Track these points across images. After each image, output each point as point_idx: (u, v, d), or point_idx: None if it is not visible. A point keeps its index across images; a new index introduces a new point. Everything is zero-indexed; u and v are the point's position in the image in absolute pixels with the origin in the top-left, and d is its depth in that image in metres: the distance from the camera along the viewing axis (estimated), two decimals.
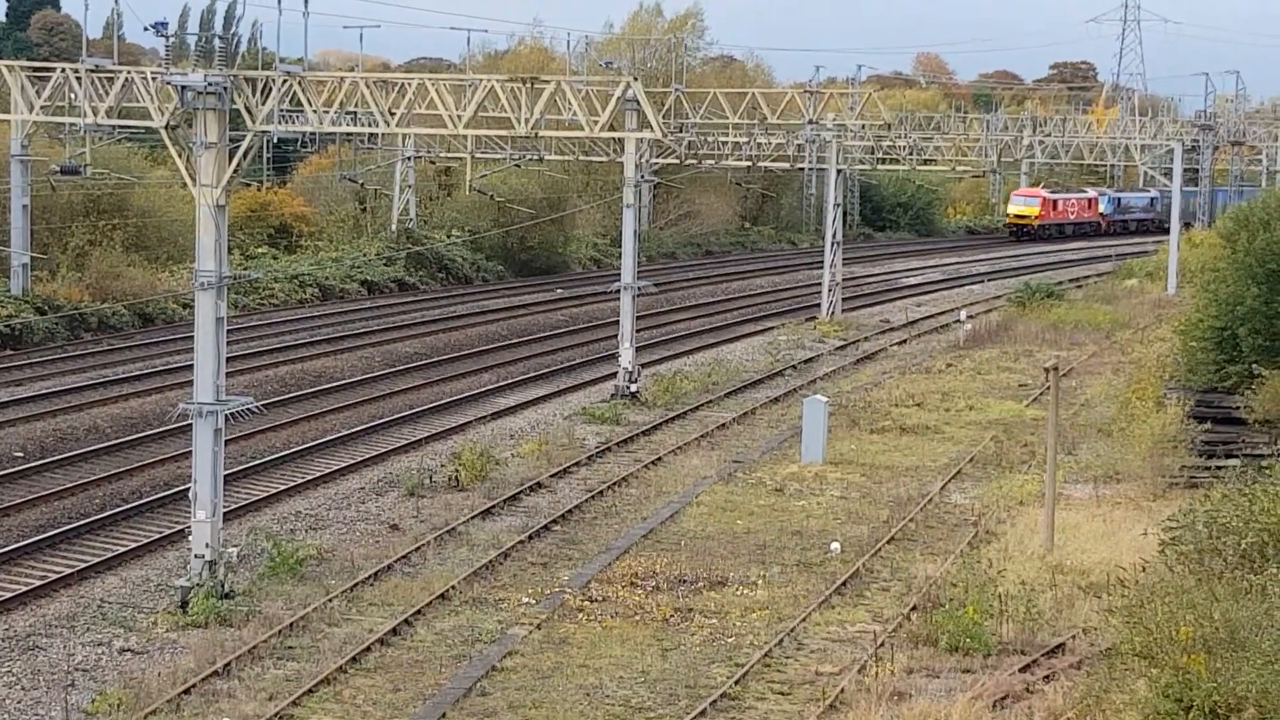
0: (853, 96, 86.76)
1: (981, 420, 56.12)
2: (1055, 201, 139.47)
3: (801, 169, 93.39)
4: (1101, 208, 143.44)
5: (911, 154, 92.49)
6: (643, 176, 63.53)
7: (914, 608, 34.57)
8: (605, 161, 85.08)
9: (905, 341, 76.52)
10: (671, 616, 34.50)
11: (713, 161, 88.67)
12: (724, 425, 55.29)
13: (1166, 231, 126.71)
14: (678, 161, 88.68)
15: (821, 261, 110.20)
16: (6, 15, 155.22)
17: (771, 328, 79.72)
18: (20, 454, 47.86)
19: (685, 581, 36.79)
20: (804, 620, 34.21)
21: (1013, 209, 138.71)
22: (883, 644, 32.23)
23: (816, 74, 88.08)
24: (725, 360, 69.31)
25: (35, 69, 39.83)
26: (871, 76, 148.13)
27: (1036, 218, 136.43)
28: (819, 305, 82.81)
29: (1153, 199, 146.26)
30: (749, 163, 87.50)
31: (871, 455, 50.69)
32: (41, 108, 38.67)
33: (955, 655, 31.67)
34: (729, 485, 46.54)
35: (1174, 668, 24.99)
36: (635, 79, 41.45)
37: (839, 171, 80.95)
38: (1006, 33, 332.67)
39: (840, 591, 36.32)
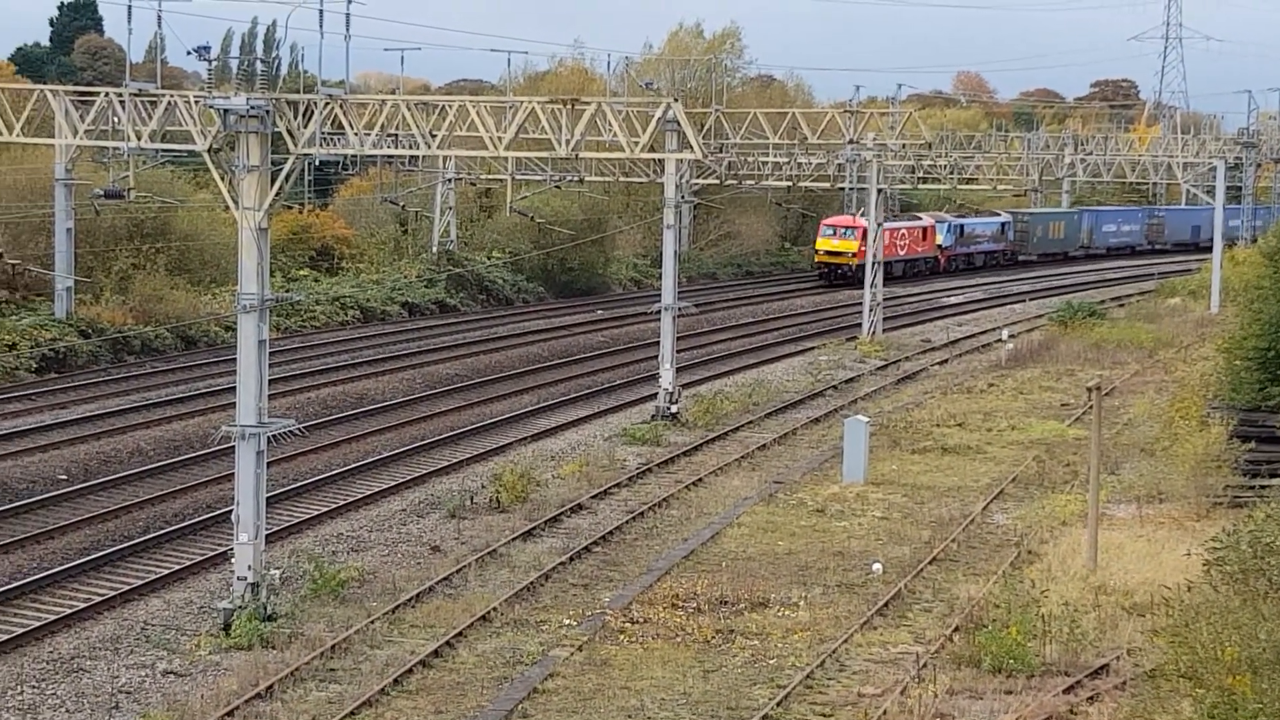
0: (893, 116, 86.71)
1: (1024, 440, 55.94)
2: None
3: (842, 189, 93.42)
4: (939, 238, 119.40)
5: (952, 173, 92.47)
6: (683, 197, 63.45)
7: (956, 628, 34.45)
8: (645, 182, 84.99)
9: (946, 361, 76.37)
10: (713, 638, 34.44)
11: (753, 182, 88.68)
12: (765, 446, 55.22)
13: (1018, 264, 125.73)
14: (718, 182, 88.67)
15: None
16: (50, 40, 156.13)
17: (812, 348, 79.62)
18: (64, 476, 48.06)
19: (726, 603, 36.71)
20: (846, 641, 34.11)
21: (823, 244, 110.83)
22: (925, 665, 32.12)
23: (857, 93, 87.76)
24: (766, 381, 69.22)
25: (79, 93, 40.12)
26: (912, 96, 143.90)
27: (856, 255, 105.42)
28: (860, 325, 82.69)
29: (1003, 224, 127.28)
30: (789, 183, 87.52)
31: (913, 475, 50.56)
32: (85, 132, 38.91)
33: (998, 676, 31.53)
34: (770, 506, 46.47)
35: (1219, 689, 24.84)
36: (675, 100, 41.49)
37: (880, 191, 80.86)
38: (1047, 51, 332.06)
39: (882, 612, 36.20)
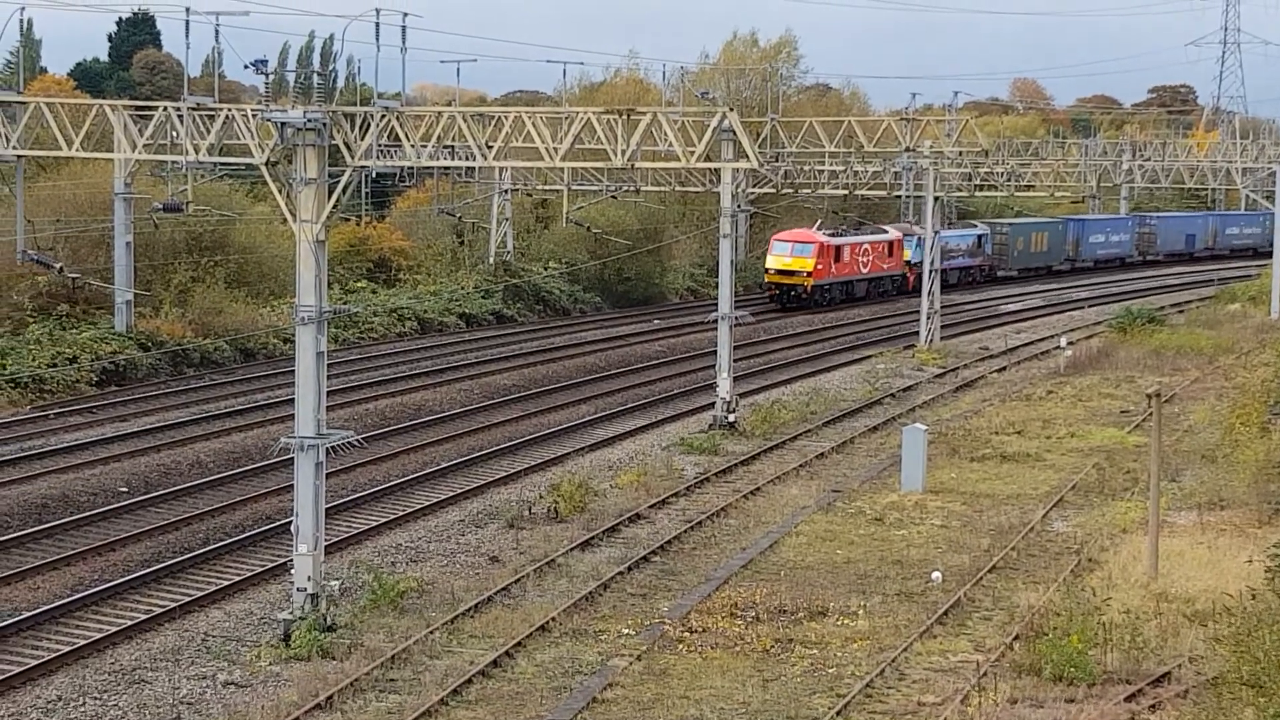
0: (949, 123, 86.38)
1: (1083, 447, 55.69)
2: (838, 249, 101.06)
3: (898, 197, 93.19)
4: (908, 254, 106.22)
5: (1009, 180, 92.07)
6: (739, 206, 63.45)
7: (1017, 637, 34.30)
8: (701, 192, 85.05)
9: (1005, 369, 76.10)
10: (772, 647, 34.38)
11: (809, 190, 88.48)
12: (823, 454, 55.12)
13: (996, 281, 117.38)
14: (774, 191, 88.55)
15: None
16: (109, 55, 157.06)
17: (869, 356, 79.44)
18: (125, 489, 48.32)
19: (785, 612, 36.65)
20: (905, 650, 34.01)
21: (774, 261, 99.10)
22: (985, 674, 31.98)
23: (913, 101, 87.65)
24: (823, 389, 69.11)
25: (138, 108, 40.28)
26: (968, 103, 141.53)
27: (811, 274, 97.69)
28: (917, 333, 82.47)
29: (980, 237, 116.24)
30: (845, 191, 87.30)
31: (972, 483, 50.40)
32: (144, 146, 39.07)
33: (1059, 685, 31.37)
34: (828, 515, 46.37)
35: None
36: (731, 109, 41.45)
37: (936, 199, 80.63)
38: (1105, 58, 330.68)
39: (942, 621, 36.09)
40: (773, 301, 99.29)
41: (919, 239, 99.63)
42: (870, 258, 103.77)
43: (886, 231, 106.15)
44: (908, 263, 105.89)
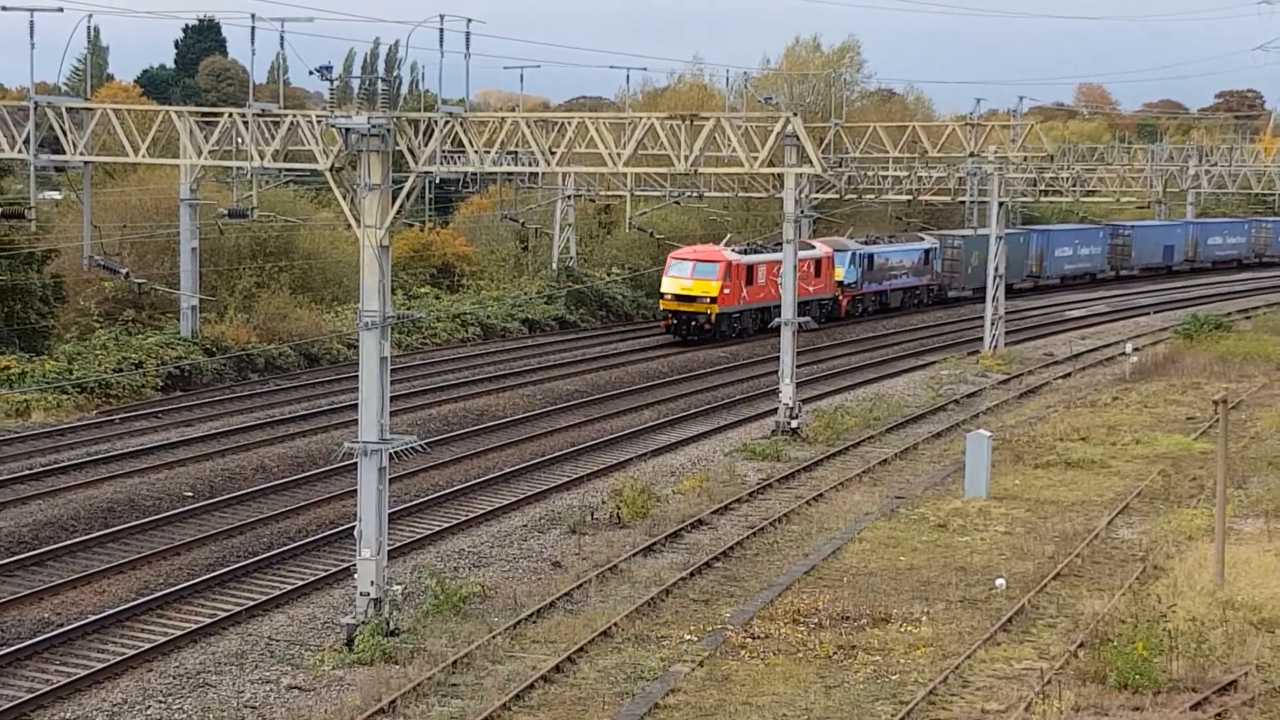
0: (1014, 128, 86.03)
1: (1148, 454, 55.34)
2: (750, 269, 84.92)
3: (963, 202, 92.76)
4: (839, 273, 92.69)
5: (1074, 185, 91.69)
6: (802, 212, 63.35)
7: (1081, 644, 34.12)
8: (765, 197, 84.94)
9: (1069, 375, 75.74)
10: (835, 653, 34.29)
11: (873, 196, 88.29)
12: (886, 461, 54.96)
13: (947, 303, 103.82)
14: (837, 196, 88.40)
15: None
16: (175, 62, 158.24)
17: (933, 362, 79.19)
18: (190, 493, 48.57)
19: (848, 618, 36.54)
20: (969, 657, 33.85)
21: (672, 284, 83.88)
22: (1050, 681, 31.82)
23: (977, 106, 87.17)
24: (886, 395, 68.92)
25: (203, 114, 40.49)
26: (1033, 108, 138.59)
27: (717, 300, 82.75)
28: (981, 339, 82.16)
29: (927, 252, 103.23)
30: (909, 196, 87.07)
31: (1036, 490, 50.15)
32: (209, 152, 39.28)
33: (1124, 693, 31.17)
34: (891, 521, 46.22)
35: None
36: (794, 114, 41.39)
37: (1001, 204, 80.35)
38: (1171, 62, 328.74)
39: (1006, 628, 35.91)
40: (668, 333, 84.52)
41: (854, 255, 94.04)
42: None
43: (814, 247, 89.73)
44: (840, 283, 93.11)
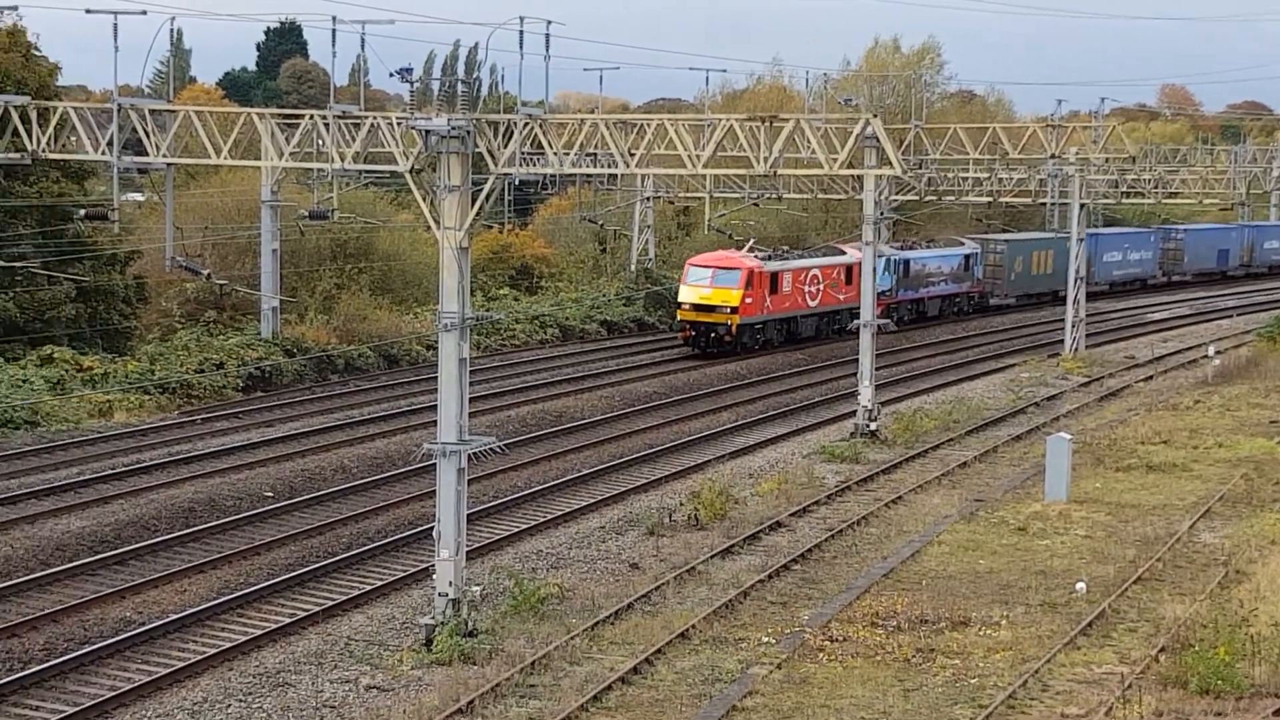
0: (1096, 130, 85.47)
1: (1231, 458, 54.88)
2: (775, 276, 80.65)
3: (1043, 204, 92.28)
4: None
5: (1156, 187, 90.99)
6: (882, 214, 63.07)
7: (1162, 649, 33.87)
8: (844, 199, 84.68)
9: (1151, 378, 75.23)
10: (913, 656, 34.15)
11: (952, 197, 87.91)
12: (965, 463, 54.72)
13: (987, 310, 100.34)
14: (917, 198, 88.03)
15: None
16: (257, 65, 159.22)
17: (1013, 364, 78.79)
18: (270, 494, 48.85)
19: (927, 621, 36.39)
20: (1049, 661, 33.65)
21: (690, 293, 79.24)
22: (1130, 686, 31.61)
23: (1058, 108, 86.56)
24: (966, 398, 68.63)
25: (284, 116, 40.66)
26: (1115, 109, 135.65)
27: (738, 310, 78.15)
28: (1062, 341, 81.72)
29: (968, 257, 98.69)
30: (989, 198, 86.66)
31: (1117, 494, 49.82)
32: (290, 154, 39.44)
33: (1206, 698, 30.91)
34: (971, 524, 46.02)
35: None
36: (874, 115, 41.24)
37: (1082, 206, 79.86)
38: (1255, 63, 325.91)
39: (1086, 632, 35.69)
40: (686, 345, 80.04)
41: (889, 260, 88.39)
42: (820, 286, 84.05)
43: (844, 253, 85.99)
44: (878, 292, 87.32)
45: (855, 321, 61.25)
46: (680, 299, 79.94)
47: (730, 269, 78.31)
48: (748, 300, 78.06)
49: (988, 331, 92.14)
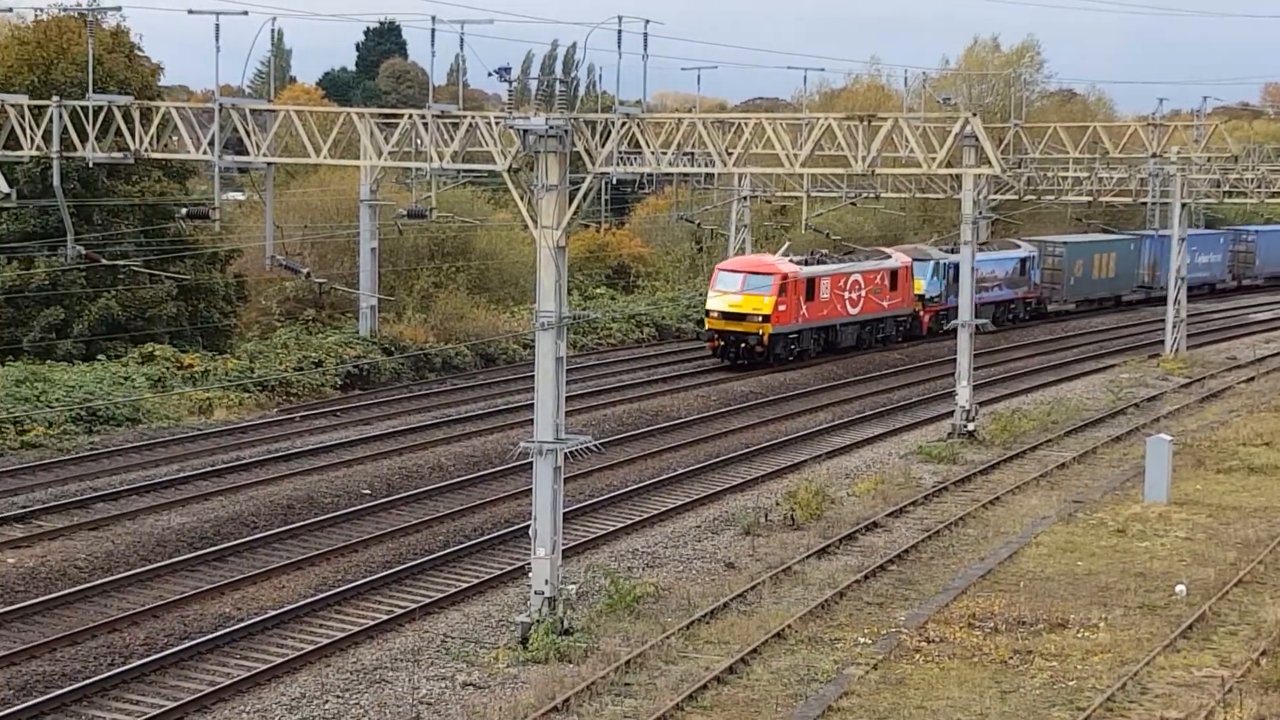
0: (1198, 129, 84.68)
1: None
2: (811, 282, 75.50)
3: (1144, 203, 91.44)
4: (921, 286, 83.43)
5: (1260, 187, 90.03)
6: (981, 213, 62.72)
7: (1264, 652, 33.54)
8: (942, 198, 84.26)
9: (1253, 379, 74.48)
10: (1010, 658, 33.96)
11: (1052, 197, 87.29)
12: (1064, 464, 54.35)
13: (1044, 316, 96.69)
14: (1016, 197, 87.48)
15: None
16: (356, 65, 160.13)
17: (1113, 365, 78.21)
18: (368, 491, 49.11)
19: (1024, 623, 36.17)
20: (1148, 664, 33.38)
21: (718, 300, 74.15)
22: (1231, 689, 31.31)
23: (1160, 106, 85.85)
24: (1065, 398, 68.16)
25: (383, 116, 40.89)
26: (1217, 108, 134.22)
27: (770, 319, 72.94)
28: (1162, 342, 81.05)
29: (1023, 260, 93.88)
30: (1089, 198, 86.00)
31: (1218, 495, 49.35)
32: (389, 153, 39.65)
33: None
34: (1069, 525, 45.70)
35: None
36: (973, 114, 41.02)
37: (1183, 206, 79.15)
38: None
39: (1186, 635, 35.38)
40: (715, 355, 75.17)
41: (937, 264, 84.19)
42: (863, 293, 78.78)
43: (888, 256, 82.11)
44: (920, 297, 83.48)
45: (953, 321, 61.00)
46: (708, 306, 75.15)
47: (762, 274, 73.51)
48: (781, 308, 73.19)
49: (1089, 331, 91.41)
